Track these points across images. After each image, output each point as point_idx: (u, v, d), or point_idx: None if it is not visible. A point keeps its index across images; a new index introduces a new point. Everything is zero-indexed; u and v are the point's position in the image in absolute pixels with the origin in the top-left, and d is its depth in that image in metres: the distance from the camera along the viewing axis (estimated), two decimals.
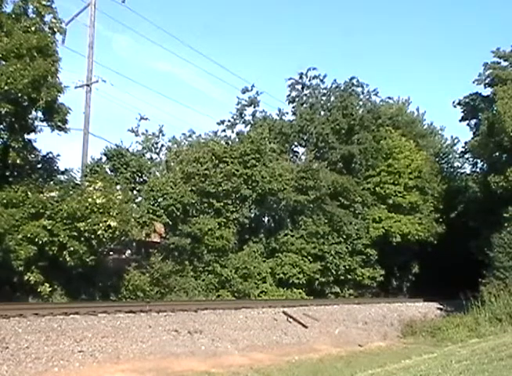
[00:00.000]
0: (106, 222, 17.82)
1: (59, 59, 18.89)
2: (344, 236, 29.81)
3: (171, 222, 24.07)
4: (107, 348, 12.14)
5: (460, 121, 36.84)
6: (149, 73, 74.69)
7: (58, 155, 20.87)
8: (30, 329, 12.00)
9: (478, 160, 35.46)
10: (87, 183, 20.18)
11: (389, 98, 39.52)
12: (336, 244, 29.37)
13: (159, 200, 23.84)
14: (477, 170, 36.79)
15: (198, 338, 14.44)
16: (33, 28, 18.31)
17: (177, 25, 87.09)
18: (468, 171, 42.07)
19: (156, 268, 21.61)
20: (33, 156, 20.12)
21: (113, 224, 17.89)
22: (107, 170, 23.95)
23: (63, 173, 21.16)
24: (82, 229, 17.52)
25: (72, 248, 17.41)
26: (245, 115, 33.61)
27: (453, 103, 36.96)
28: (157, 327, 14.24)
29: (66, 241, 17.39)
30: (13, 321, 12.23)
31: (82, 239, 17.67)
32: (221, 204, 25.21)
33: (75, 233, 17.56)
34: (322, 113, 34.26)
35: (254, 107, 33.62)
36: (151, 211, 23.30)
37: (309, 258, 28.35)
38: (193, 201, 24.35)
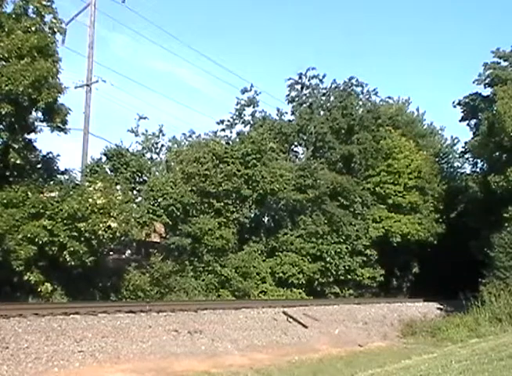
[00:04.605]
0: (106, 222, 17.82)
1: (59, 59, 18.92)
2: (344, 237, 29.76)
3: (171, 222, 24.07)
4: (107, 348, 12.14)
5: (460, 121, 36.87)
6: (149, 72, 74.79)
7: (58, 155, 20.91)
8: (30, 329, 11.99)
9: (478, 160, 35.44)
10: (87, 183, 20.17)
11: (389, 98, 39.66)
12: (335, 243, 29.34)
13: (159, 200, 23.83)
14: (477, 170, 36.73)
15: (198, 338, 14.45)
16: (33, 28, 18.28)
17: (177, 25, 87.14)
18: (468, 171, 42.05)
19: (156, 268, 21.61)
20: (33, 156, 20.11)
21: (113, 225, 17.90)
22: (107, 170, 23.96)
23: (63, 173, 21.16)
24: (82, 229, 17.50)
25: (72, 248, 17.37)
26: (244, 115, 33.66)
27: (453, 103, 36.99)
28: (157, 327, 14.23)
29: (67, 241, 17.35)
30: (13, 321, 12.21)
31: (82, 239, 17.63)
32: (222, 204, 25.23)
33: (75, 234, 17.52)
34: (322, 112, 34.29)
35: (254, 107, 33.63)
36: (151, 211, 23.29)
37: (308, 258, 28.37)
38: (193, 201, 24.35)
